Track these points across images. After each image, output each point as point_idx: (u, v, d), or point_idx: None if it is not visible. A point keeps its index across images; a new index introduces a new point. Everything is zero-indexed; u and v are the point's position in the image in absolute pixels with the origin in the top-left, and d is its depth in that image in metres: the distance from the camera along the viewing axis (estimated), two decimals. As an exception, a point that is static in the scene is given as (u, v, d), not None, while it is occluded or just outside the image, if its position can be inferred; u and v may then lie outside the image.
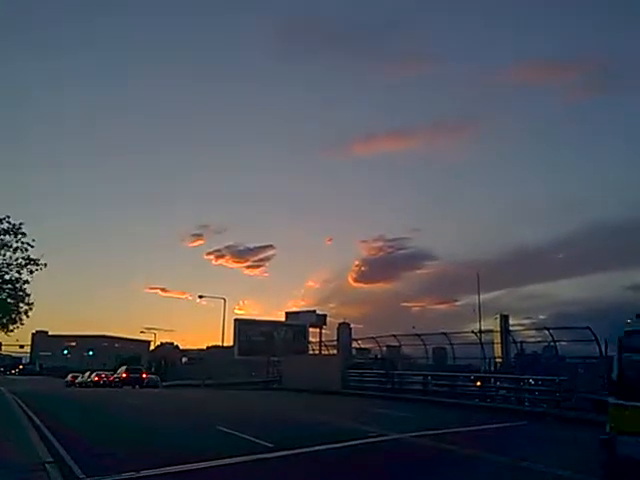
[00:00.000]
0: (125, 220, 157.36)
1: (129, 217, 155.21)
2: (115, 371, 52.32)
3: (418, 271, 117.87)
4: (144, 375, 48.06)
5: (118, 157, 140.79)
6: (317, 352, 45.03)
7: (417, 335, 31.49)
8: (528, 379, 22.97)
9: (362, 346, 39.66)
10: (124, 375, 46.47)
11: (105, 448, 11.05)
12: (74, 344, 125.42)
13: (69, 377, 60.91)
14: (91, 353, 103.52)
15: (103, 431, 14.00)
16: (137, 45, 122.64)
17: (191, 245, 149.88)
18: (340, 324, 42.10)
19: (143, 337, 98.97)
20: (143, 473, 8.45)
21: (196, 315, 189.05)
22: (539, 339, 26.58)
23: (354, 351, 39.52)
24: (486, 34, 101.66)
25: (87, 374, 55.49)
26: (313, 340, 48.37)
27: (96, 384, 49.28)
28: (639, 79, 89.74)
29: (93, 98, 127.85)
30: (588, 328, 22.29)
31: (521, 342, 27.46)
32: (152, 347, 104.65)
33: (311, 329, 48.92)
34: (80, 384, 53.83)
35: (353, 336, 40.13)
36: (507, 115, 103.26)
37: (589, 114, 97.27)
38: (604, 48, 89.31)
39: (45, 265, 29.52)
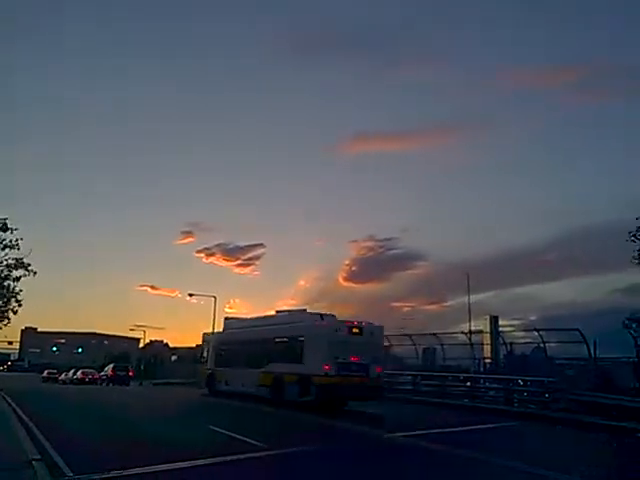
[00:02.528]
0: (115, 217, 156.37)
1: (119, 214, 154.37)
2: (102, 369, 52.70)
3: (408, 271, 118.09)
4: (131, 373, 48.88)
5: (107, 155, 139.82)
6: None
7: (407, 335, 31.57)
8: (517, 380, 23.09)
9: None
10: (111, 373, 47.07)
11: (92, 445, 11.01)
12: (63, 341, 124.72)
13: (45, 373, 62.62)
14: (80, 350, 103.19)
15: (90, 428, 13.93)
16: (132, 47, 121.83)
17: (181, 243, 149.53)
18: (330, 323, 41.96)
19: (133, 334, 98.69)
20: (131, 471, 8.42)
21: (186, 313, 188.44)
22: (528, 340, 26.75)
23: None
24: (484, 37, 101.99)
25: (72, 371, 55.73)
26: (303, 339, 48.29)
27: (81, 381, 49.58)
28: (636, 83, 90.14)
29: (86, 97, 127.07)
30: (577, 330, 22.46)
31: (510, 343, 27.59)
32: (142, 345, 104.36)
33: (301, 328, 48.77)
34: (64, 381, 54.05)
35: (343, 335, 40.05)
36: (499, 118, 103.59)
37: (582, 118, 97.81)
38: (601, 52, 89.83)
39: (35, 273, 29.04)
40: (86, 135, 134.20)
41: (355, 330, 19.94)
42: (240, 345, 25.36)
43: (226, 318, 29.33)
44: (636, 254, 22.64)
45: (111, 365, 50.31)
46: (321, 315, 21.27)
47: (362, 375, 19.39)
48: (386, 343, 33.43)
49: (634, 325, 21.37)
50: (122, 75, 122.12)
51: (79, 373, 52.69)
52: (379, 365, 20.53)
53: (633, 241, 22.66)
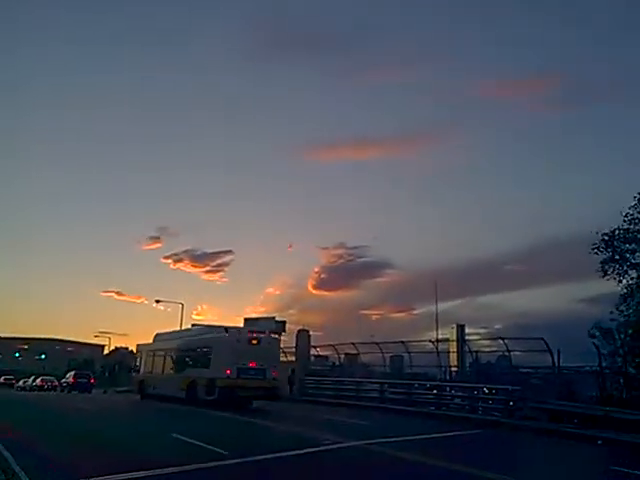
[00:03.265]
0: (80, 221, 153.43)
1: (84, 218, 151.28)
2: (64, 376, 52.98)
3: (377, 279, 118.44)
4: (92, 380, 49.38)
5: (72, 155, 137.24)
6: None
7: (375, 343, 31.68)
8: (482, 388, 23.30)
9: (321, 353, 39.61)
10: (72, 380, 47.44)
11: (54, 453, 10.75)
12: (26, 347, 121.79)
13: (1, 379, 66.00)
14: (43, 357, 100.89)
15: (51, 435, 13.61)
16: (103, 39, 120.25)
17: (148, 248, 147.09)
18: (299, 331, 41.77)
19: (97, 341, 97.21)
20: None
21: (152, 320, 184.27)
22: (494, 349, 27.01)
23: (312, 358, 39.42)
24: (456, 45, 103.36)
25: (31, 378, 56.28)
26: (271, 347, 48.15)
27: (40, 388, 50.46)
28: (603, 95, 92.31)
29: (51, 92, 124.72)
30: (542, 339, 22.78)
31: (476, 351, 27.82)
32: (106, 351, 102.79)
33: (270, 336, 48.61)
34: (23, 388, 54.51)
35: (312, 343, 39.99)
36: (471, 127, 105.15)
37: (554, 128, 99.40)
38: (571, 63, 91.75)
39: None
40: (51, 135, 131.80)
41: (254, 341, 23.95)
42: (165, 355, 28.87)
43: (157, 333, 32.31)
44: (599, 266, 23.17)
45: (72, 372, 50.55)
46: (226, 328, 25.08)
47: (259, 378, 23.54)
48: (354, 351, 33.77)
49: (598, 335, 21.78)
50: (83, 68, 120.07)
51: (38, 380, 53.37)
52: (275, 370, 24.50)
53: (596, 253, 23.20)
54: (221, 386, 22.74)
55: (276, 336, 26.69)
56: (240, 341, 23.77)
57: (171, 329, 32.37)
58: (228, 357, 23.18)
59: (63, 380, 50.44)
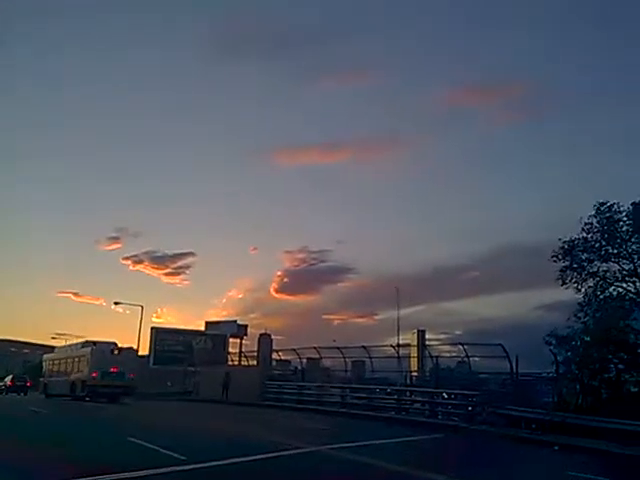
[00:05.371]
0: (35, 220, 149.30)
1: (40, 217, 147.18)
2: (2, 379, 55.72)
3: (340, 284, 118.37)
4: (29, 384, 51.54)
5: (30, 155, 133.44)
6: (237, 363, 44.54)
7: (337, 348, 31.72)
8: (442, 393, 23.50)
9: (282, 358, 39.50)
10: (9, 383, 50.82)
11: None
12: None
13: None
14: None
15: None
16: (61, 44, 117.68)
17: (107, 248, 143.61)
18: (261, 335, 41.70)
19: (54, 343, 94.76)
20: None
21: (111, 322, 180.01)
22: (454, 354, 27.32)
23: (274, 362, 39.29)
24: (421, 54, 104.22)
25: None
26: (233, 351, 47.83)
27: None
28: (560, 105, 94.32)
29: (13, 95, 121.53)
30: (500, 345, 23.10)
31: (437, 357, 28.00)
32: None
33: (231, 339, 48.29)
34: None
35: (274, 347, 39.90)
36: (433, 135, 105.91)
37: (510, 138, 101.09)
38: (527, 74, 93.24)
39: None
40: (6, 132, 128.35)
41: (115, 351, 32.98)
42: (59, 363, 37.32)
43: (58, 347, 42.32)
44: (559, 274, 23.63)
45: (10, 376, 53.85)
46: (94, 342, 33.96)
47: (119, 379, 31.53)
48: (316, 355, 33.84)
49: (554, 341, 22.13)
50: (41, 73, 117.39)
51: None
52: (132, 372, 32.64)
53: (555, 261, 23.66)
54: (90, 385, 30.98)
55: (134, 348, 37.50)
56: (105, 352, 32.42)
57: (67, 343, 42.09)
58: (94, 363, 31.42)
59: (1, 383, 52.76)
